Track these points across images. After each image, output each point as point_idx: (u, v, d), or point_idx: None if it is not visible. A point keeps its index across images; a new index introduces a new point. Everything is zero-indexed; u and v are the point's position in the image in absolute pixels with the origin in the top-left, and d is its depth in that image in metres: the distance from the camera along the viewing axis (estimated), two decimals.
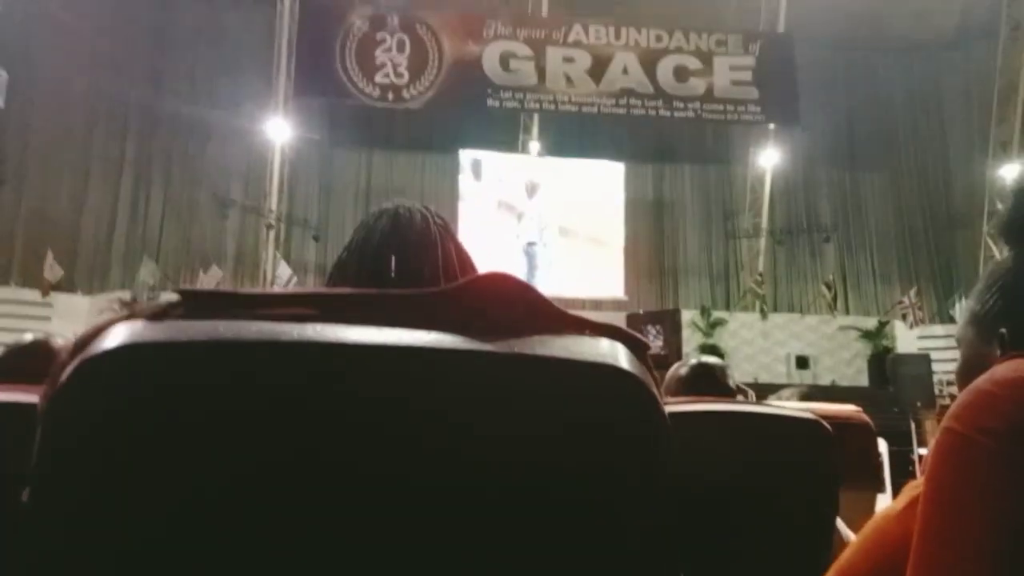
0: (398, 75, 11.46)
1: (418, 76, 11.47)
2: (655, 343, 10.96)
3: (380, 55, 11.49)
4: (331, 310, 0.48)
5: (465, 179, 12.02)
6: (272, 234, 11.79)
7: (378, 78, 11.41)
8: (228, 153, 12.33)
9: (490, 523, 0.45)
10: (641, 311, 11.99)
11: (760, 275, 12.69)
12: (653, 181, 13.49)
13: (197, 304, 0.48)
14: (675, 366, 1.70)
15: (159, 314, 0.47)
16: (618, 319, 10.68)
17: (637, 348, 0.50)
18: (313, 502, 0.44)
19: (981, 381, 0.65)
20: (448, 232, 0.94)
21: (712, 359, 1.76)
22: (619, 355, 0.48)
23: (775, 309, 12.65)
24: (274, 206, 11.90)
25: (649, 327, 11.45)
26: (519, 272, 9.65)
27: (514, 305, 0.50)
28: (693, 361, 1.73)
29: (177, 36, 12.14)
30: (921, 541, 0.65)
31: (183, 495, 0.43)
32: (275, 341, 0.45)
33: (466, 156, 12.04)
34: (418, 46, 11.55)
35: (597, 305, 11.77)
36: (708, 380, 1.68)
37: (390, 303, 0.50)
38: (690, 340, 11.53)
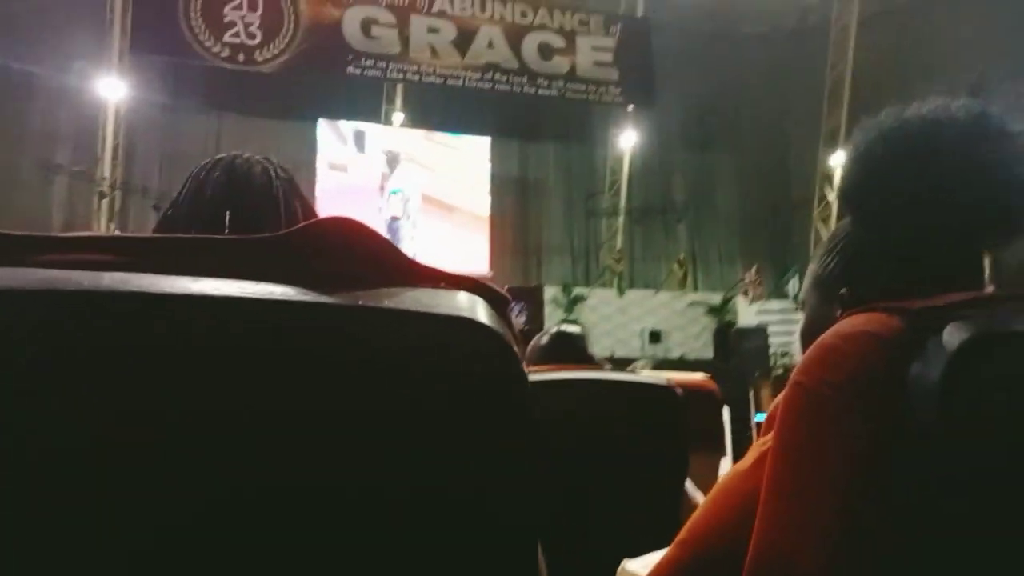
0: (249, 35, 10.89)
1: (272, 38, 10.94)
2: (518, 320, 10.78)
3: (229, 12, 10.86)
4: (135, 258, 0.43)
5: (333, 150, 11.66)
6: (105, 203, 11.03)
7: (227, 37, 10.79)
8: (54, 114, 11.30)
9: (335, 490, 0.42)
10: (506, 287, 11.37)
11: (618, 253, 13.15)
12: (519, 158, 13.57)
13: None
14: (536, 336, 1.75)
15: None
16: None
17: (496, 302, 0.48)
18: (108, 480, 0.39)
19: (827, 336, 0.67)
20: (293, 186, 0.88)
21: (571, 327, 1.80)
22: (477, 309, 0.46)
23: (631, 286, 13.06)
24: (108, 172, 11.09)
25: (513, 303, 11.18)
26: None
27: (358, 253, 0.47)
28: (553, 330, 1.77)
29: None
30: (769, 494, 0.66)
31: None
32: (55, 290, 0.40)
33: (345, 127, 11.73)
34: (272, 5, 11.00)
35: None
36: (568, 348, 1.70)
37: (209, 250, 0.45)
38: (552, 316, 11.66)
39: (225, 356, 0.41)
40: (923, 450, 0.59)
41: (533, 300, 11.12)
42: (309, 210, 0.88)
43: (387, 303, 0.44)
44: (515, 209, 13.49)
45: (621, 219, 13.50)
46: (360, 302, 0.44)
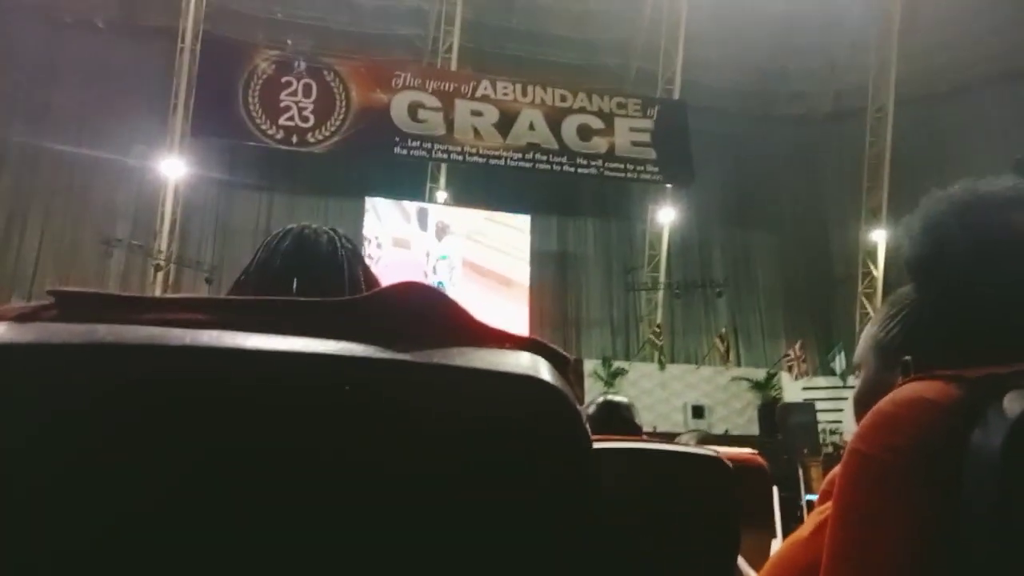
0: (303, 119, 11.32)
1: (324, 121, 11.36)
2: None
3: (285, 98, 11.35)
4: (227, 317, 0.45)
5: (396, 226, 11.82)
6: (160, 275, 11.27)
7: (282, 120, 11.24)
8: (116, 191, 11.74)
9: (406, 544, 0.43)
10: None
11: (658, 327, 13.05)
12: (558, 233, 13.70)
13: (72, 306, 0.45)
14: (583, 406, 1.72)
15: (28, 316, 0.43)
16: None
17: (559, 362, 0.49)
18: (202, 521, 0.41)
19: (884, 403, 0.66)
20: (356, 256, 0.91)
21: (618, 397, 1.79)
22: (540, 368, 0.46)
23: (672, 360, 12.97)
24: (164, 246, 11.40)
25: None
26: None
27: (429, 315, 0.47)
28: (600, 399, 1.76)
29: (65, 69, 11.60)
30: (831, 563, 0.65)
31: (61, 500, 0.40)
32: (162, 345, 0.42)
33: (409, 206, 11.94)
34: (325, 91, 11.48)
35: None
36: (615, 417, 1.71)
37: (293, 311, 0.46)
38: (592, 390, 11.58)
39: (309, 410, 0.42)
40: (984, 519, 0.57)
41: (573, 373, 11.11)
42: (371, 278, 0.90)
43: (457, 361, 0.44)
44: (554, 281, 13.50)
45: (661, 293, 13.50)
46: (432, 360, 0.44)
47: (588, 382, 11.73)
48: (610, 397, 1.80)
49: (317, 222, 0.95)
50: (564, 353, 0.50)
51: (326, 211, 12.15)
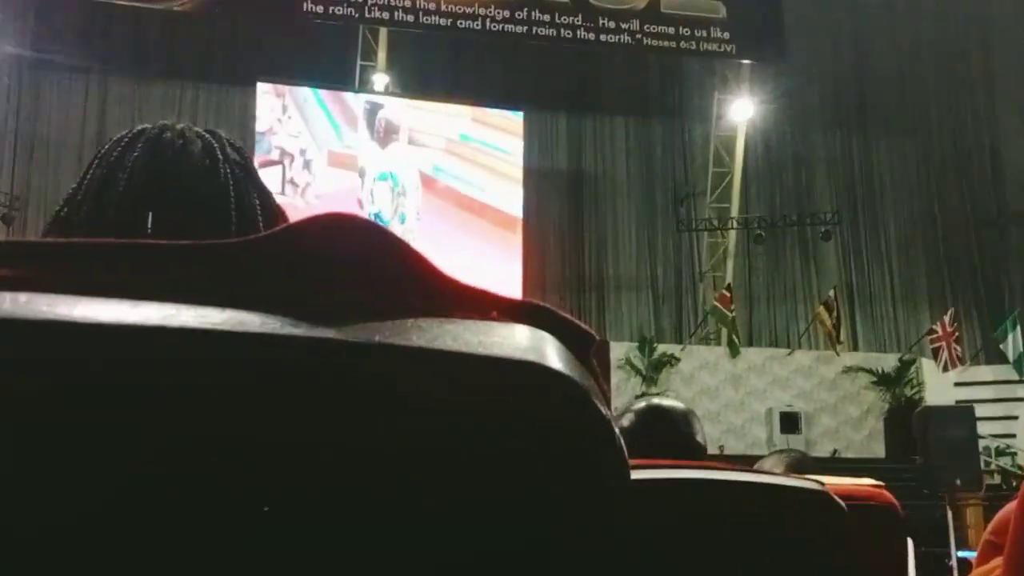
0: None
1: None
2: None
3: None
4: (43, 274, 0.46)
5: (323, 133, 11.63)
6: None
7: None
8: None
9: None
10: None
11: (727, 289, 12.39)
12: (568, 141, 13.29)
13: None
14: (615, 415, 1.57)
15: None
16: None
17: (575, 340, 0.49)
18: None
19: None
20: (249, 172, 0.92)
21: (669, 401, 1.88)
22: (546, 349, 0.47)
23: (750, 342, 12.68)
24: None
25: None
26: None
27: (368, 267, 0.49)
28: (641, 405, 1.85)
29: None
30: None
31: None
32: None
33: (354, 101, 11.71)
34: None
35: None
36: (665, 432, 1.79)
37: (149, 262, 0.48)
38: (623, 389, 11.46)
39: (173, 413, 0.43)
40: None
41: (597, 359, 11.31)
42: (273, 209, 0.91)
43: (415, 340, 0.45)
44: (563, 219, 13.11)
45: (733, 236, 13.04)
46: (376, 338, 0.45)
47: (617, 378, 11.64)
48: (657, 401, 1.90)
49: (183, 121, 0.94)
50: (583, 326, 0.51)
51: (197, 105, 11.93)
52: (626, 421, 1.80)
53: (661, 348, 11.93)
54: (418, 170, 11.89)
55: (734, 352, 12.05)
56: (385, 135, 11.77)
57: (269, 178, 11.12)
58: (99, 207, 0.86)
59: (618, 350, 11.77)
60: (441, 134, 12.06)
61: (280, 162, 11.31)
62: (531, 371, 0.44)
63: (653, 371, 11.72)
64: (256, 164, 1.01)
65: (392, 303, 0.46)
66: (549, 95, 12.77)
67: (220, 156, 0.91)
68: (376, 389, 0.44)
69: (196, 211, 0.87)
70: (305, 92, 11.57)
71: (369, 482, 0.44)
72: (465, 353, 0.44)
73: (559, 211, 13.07)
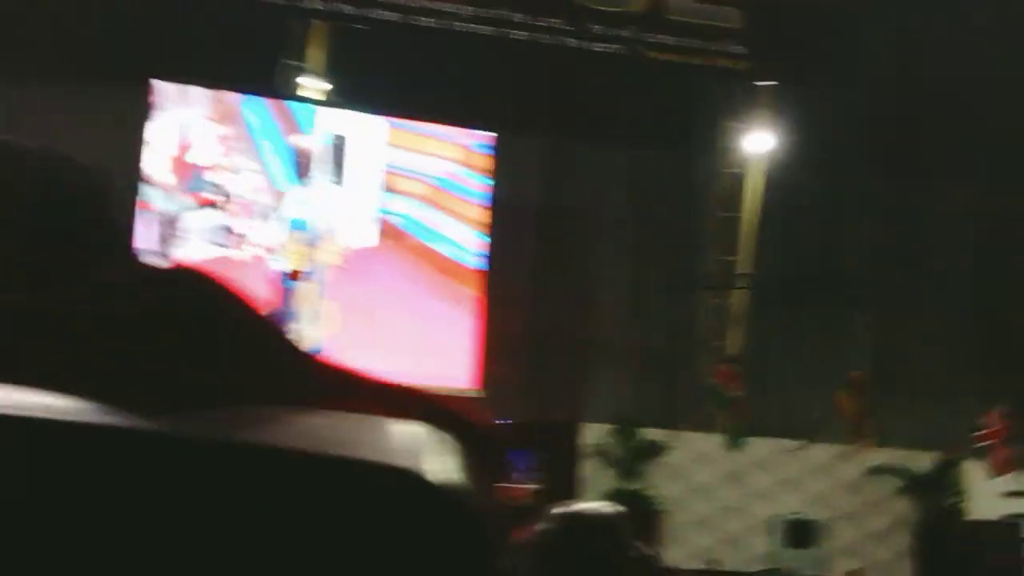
0: None
1: None
2: (520, 484, 9.67)
3: None
4: None
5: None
6: None
7: None
8: None
9: None
10: (505, 421, 10.58)
11: (732, 362, 11.48)
12: (541, 173, 12.35)
13: None
14: (524, 530, 1.69)
15: None
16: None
17: (468, 440, 0.48)
18: None
19: None
20: (100, 194, 0.80)
21: (601, 507, 1.79)
22: (424, 456, 0.46)
23: (757, 431, 11.50)
24: None
25: (517, 454, 10.27)
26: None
27: (217, 339, 0.48)
28: (558, 511, 1.76)
29: None
30: None
31: None
32: None
33: (198, 95, 10.81)
34: None
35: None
36: (587, 542, 1.71)
37: None
38: (595, 482, 10.42)
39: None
40: None
41: (559, 448, 10.39)
42: (122, 241, 0.81)
43: (268, 437, 0.43)
44: (534, 266, 12.28)
45: (740, 297, 12.15)
46: (207, 434, 0.44)
47: (587, 467, 10.51)
48: (579, 509, 1.78)
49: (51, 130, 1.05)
50: (486, 424, 0.49)
51: (67, 108, 10.54)
52: (536, 538, 1.69)
53: (645, 432, 10.71)
54: (338, 213, 11.11)
55: (735, 441, 10.91)
56: (302, 162, 10.96)
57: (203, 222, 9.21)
58: None
59: (592, 433, 10.58)
60: (382, 158, 11.29)
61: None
62: (405, 487, 0.42)
63: (633, 461, 10.46)
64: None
65: (234, 383, 0.44)
66: (526, 116, 11.87)
67: (62, 175, 0.78)
68: (212, 501, 0.42)
69: (22, 247, 0.73)
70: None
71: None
72: (326, 458, 0.42)
73: (529, 256, 12.07)
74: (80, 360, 0.46)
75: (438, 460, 0.44)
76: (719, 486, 10.94)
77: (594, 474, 10.47)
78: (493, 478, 0.46)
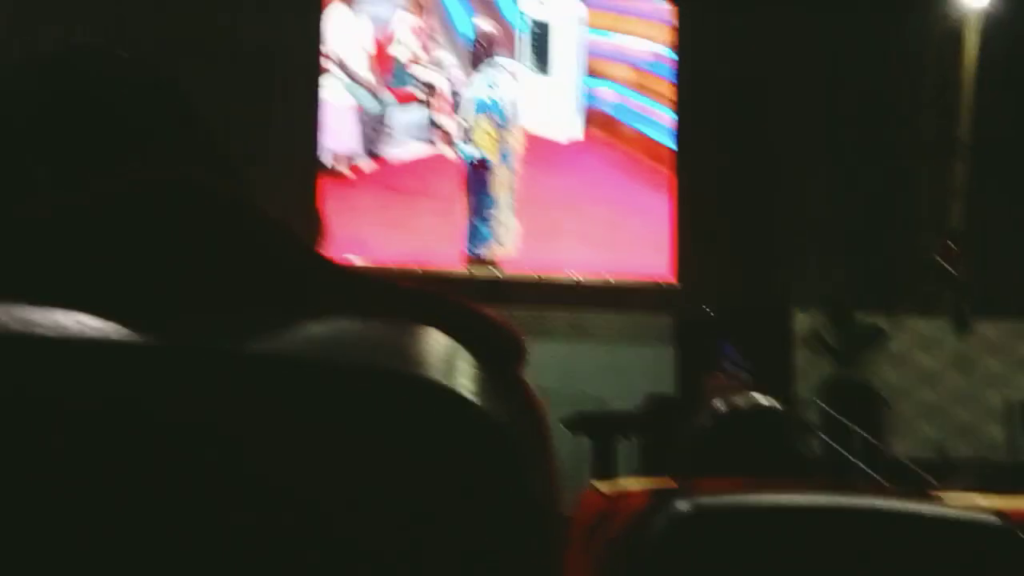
0: None
1: None
2: (733, 372, 9.74)
3: None
4: None
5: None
6: None
7: None
8: None
9: None
10: (706, 307, 10.67)
11: (954, 239, 11.00)
12: (730, 40, 11.53)
13: None
14: (695, 418, 1.82)
15: None
16: (656, 324, 10.19)
17: (495, 349, 0.46)
18: None
19: None
20: (183, 110, 0.80)
21: (764, 400, 1.83)
22: (455, 364, 0.44)
23: (987, 312, 11.08)
24: None
25: (722, 343, 10.17)
26: (457, 220, 10.03)
27: (230, 246, 0.48)
28: (722, 406, 1.81)
29: None
30: None
31: None
32: None
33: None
34: None
35: (614, 292, 10.59)
36: (756, 439, 1.74)
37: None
38: (809, 373, 10.43)
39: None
40: None
41: (769, 337, 10.29)
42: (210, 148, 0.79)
43: (267, 344, 0.43)
44: (726, 144, 11.52)
45: (961, 169, 11.45)
46: (232, 344, 0.44)
47: (801, 356, 10.50)
48: (748, 400, 1.83)
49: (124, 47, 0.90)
50: (510, 331, 0.48)
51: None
52: (709, 423, 1.74)
53: (863, 318, 10.46)
54: (521, 95, 10.66)
55: (962, 325, 10.61)
56: (488, 46, 10.52)
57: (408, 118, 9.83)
58: None
59: (804, 320, 10.36)
60: (581, 43, 10.77)
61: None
62: (430, 397, 0.41)
63: (851, 348, 10.25)
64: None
65: (256, 292, 0.43)
66: None
67: (144, 81, 0.80)
68: (234, 404, 0.41)
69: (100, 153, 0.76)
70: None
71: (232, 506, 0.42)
72: (339, 364, 0.41)
73: (720, 133, 11.34)
74: (87, 269, 0.45)
75: (467, 370, 0.42)
76: (946, 373, 10.73)
77: (808, 363, 10.36)
78: (524, 395, 0.43)
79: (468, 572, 0.43)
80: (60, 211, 0.48)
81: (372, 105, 10.01)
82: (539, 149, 10.54)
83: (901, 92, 11.79)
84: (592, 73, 10.80)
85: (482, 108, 10.51)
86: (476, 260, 9.72)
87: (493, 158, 10.44)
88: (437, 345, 0.43)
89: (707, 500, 1.13)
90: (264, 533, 0.42)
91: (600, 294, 10.43)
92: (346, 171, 9.58)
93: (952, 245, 10.93)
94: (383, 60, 10.22)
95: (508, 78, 10.59)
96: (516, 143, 10.58)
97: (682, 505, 1.08)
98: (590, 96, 10.59)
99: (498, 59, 10.44)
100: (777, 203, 11.68)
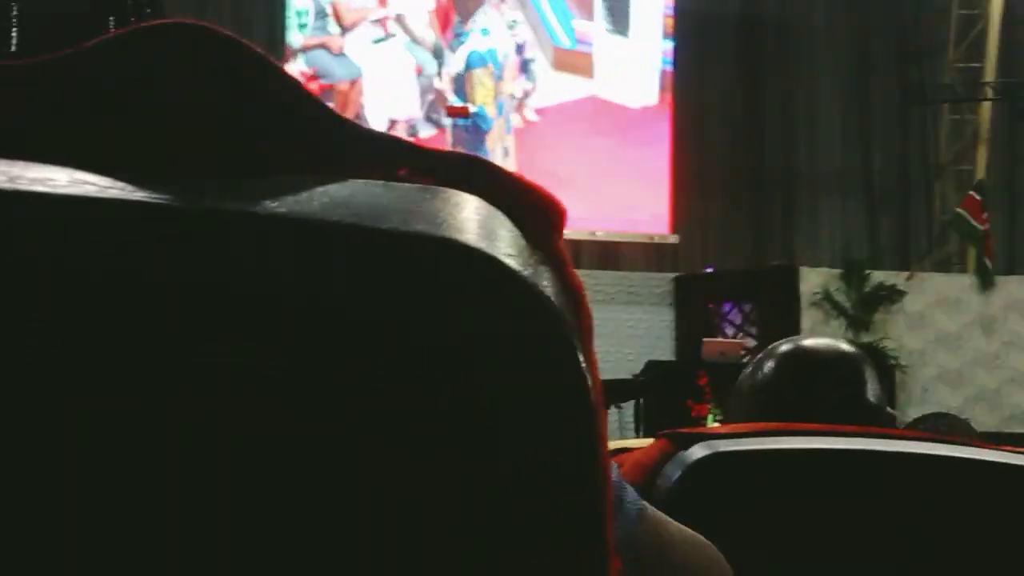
0: None
1: None
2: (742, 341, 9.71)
3: None
4: None
5: None
6: None
7: None
8: None
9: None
10: (708, 268, 10.68)
11: (979, 190, 10.62)
12: None
13: None
14: (750, 362, 1.71)
15: None
16: (658, 285, 10.15)
17: (528, 210, 0.44)
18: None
19: None
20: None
21: (836, 343, 1.73)
22: (492, 225, 0.42)
23: (1011, 268, 11.08)
24: None
25: (727, 305, 10.27)
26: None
27: (216, 94, 0.44)
28: (785, 347, 1.68)
29: None
30: None
31: None
32: None
33: None
34: None
35: (614, 251, 10.59)
36: (819, 384, 1.63)
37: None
38: (819, 335, 9.45)
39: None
40: None
41: (776, 297, 10.30)
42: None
43: (270, 207, 0.40)
44: (732, 88, 11.23)
45: (987, 111, 11.08)
46: (211, 203, 0.41)
47: (811, 317, 10.21)
48: (811, 342, 1.71)
49: None
50: (543, 192, 0.45)
51: None
52: (768, 368, 1.62)
53: (877, 277, 10.12)
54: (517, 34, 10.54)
55: (986, 282, 10.29)
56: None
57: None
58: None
59: (813, 279, 10.00)
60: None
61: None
62: (453, 260, 0.39)
63: (864, 310, 9.98)
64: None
65: (278, 153, 0.42)
66: None
67: None
68: (217, 281, 0.39)
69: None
70: None
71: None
72: (357, 228, 0.39)
73: (726, 76, 10.94)
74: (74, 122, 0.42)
75: (508, 237, 0.40)
76: (968, 335, 10.30)
77: (818, 325, 10.02)
78: (560, 262, 0.40)
79: (517, 455, 0.38)
80: (54, 60, 0.42)
81: (431, 66, 10.11)
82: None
83: (923, 30, 11.31)
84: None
85: (477, 61, 10.36)
86: None
87: (490, 110, 10.26)
88: (475, 211, 0.40)
89: (725, 444, 1.11)
90: (293, 404, 0.38)
91: (591, 250, 10.17)
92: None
93: (977, 196, 10.41)
94: (444, 19, 10.20)
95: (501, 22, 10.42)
96: (516, 88, 10.47)
97: (698, 451, 1.07)
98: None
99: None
100: (788, 153, 11.23)
